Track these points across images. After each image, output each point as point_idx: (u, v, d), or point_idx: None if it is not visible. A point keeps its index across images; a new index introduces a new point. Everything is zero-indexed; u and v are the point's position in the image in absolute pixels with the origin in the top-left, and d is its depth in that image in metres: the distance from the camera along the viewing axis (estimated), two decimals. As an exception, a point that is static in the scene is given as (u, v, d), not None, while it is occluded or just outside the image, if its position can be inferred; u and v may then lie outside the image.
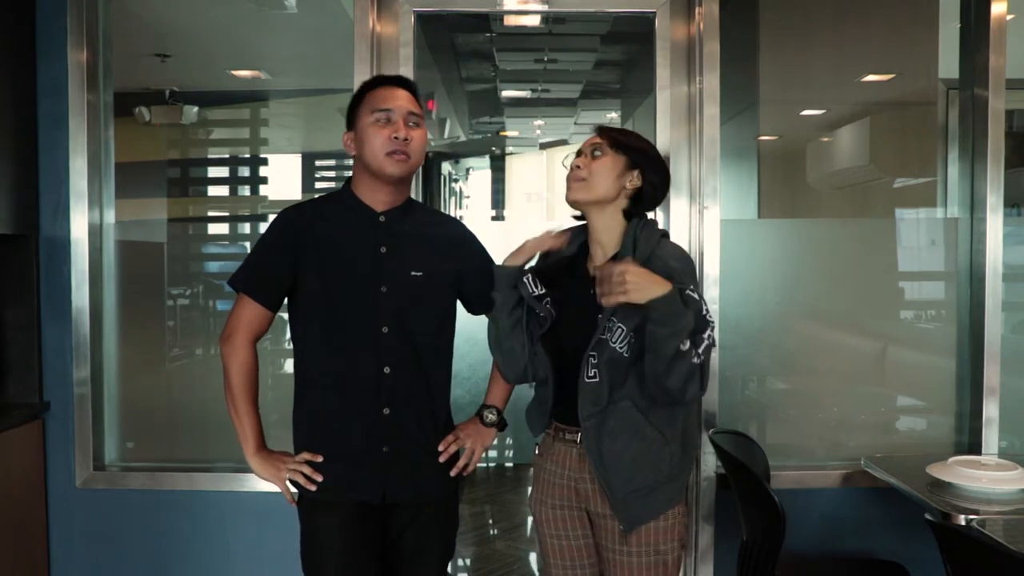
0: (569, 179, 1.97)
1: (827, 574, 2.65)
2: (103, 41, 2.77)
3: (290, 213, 2.02)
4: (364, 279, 1.94)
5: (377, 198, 1.98)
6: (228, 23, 3.56)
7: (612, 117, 9.49)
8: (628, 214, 1.96)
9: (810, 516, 2.72)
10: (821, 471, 2.76)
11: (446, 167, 11.85)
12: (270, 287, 1.97)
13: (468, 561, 4.03)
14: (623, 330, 1.84)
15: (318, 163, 3.59)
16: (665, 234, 1.98)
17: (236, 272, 1.99)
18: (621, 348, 1.85)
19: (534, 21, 5.71)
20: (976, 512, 2.04)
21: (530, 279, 1.98)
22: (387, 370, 1.94)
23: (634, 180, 1.94)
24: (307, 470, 1.94)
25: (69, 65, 2.68)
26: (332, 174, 3.65)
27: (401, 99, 1.97)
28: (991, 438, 2.74)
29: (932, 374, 2.91)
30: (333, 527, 1.95)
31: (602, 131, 1.99)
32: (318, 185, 3.76)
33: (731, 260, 2.70)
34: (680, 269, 1.86)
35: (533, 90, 8.79)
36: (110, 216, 2.79)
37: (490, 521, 4.49)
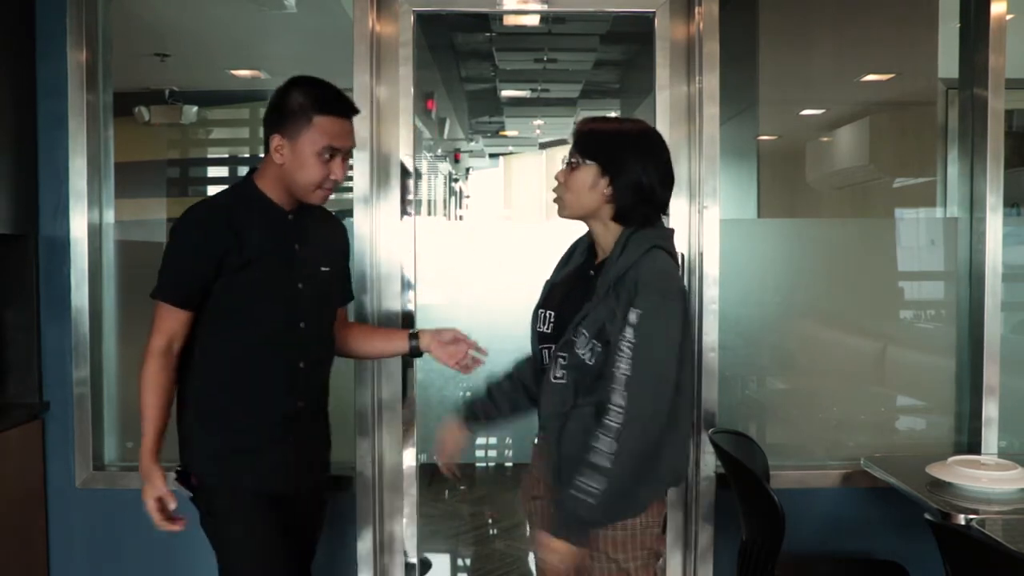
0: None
1: (827, 574, 2.65)
2: (103, 41, 2.76)
3: (205, 216, 1.98)
4: (284, 276, 1.99)
5: (285, 199, 2.01)
6: (228, 23, 3.57)
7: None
8: (624, 218, 1.87)
9: (810, 516, 2.72)
10: (821, 471, 2.76)
11: (445, 166, 11.85)
12: (198, 295, 1.95)
13: (468, 561, 4.04)
14: (586, 336, 1.81)
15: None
16: (659, 244, 1.86)
17: (162, 283, 1.95)
18: (584, 355, 1.81)
19: (534, 21, 5.72)
20: (976, 512, 2.04)
21: (543, 315, 1.95)
22: (302, 364, 2.02)
23: (606, 189, 1.85)
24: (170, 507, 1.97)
25: (69, 65, 2.67)
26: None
27: (350, 135, 1.98)
28: (991, 438, 2.73)
29: (932, 374, 2.91)
30: (274, 515, 1.99)
31: (576, 135, 1.91)
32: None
33: (731, 260, 2.70)
34: (645, 283, 1.77)
35: (533, 90, 8.80)
36: (110, 216, 2.78)
37: (490, 521, 4.49)
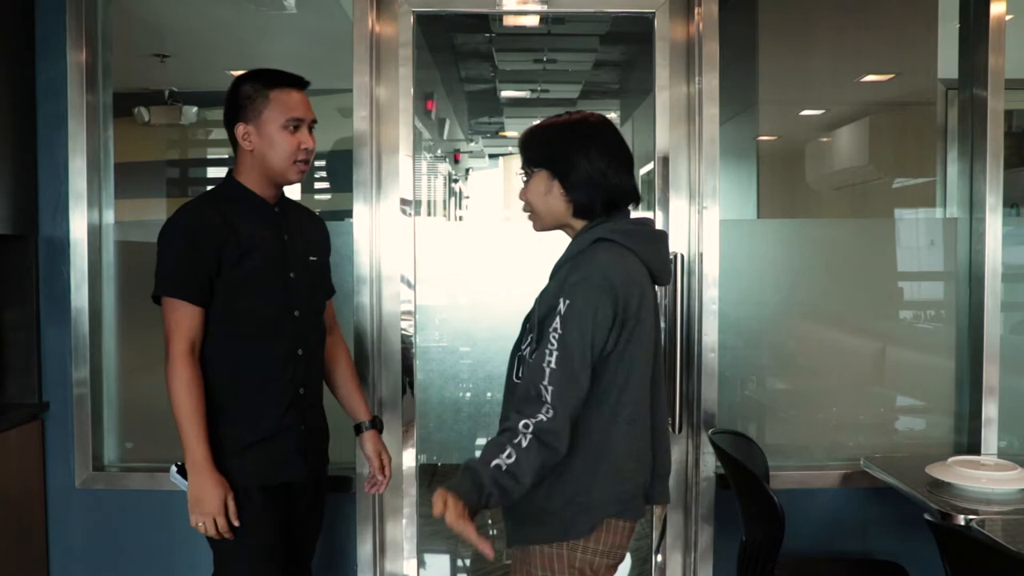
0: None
1: (827, 574, 2.65)
2: (102, 41, 2.76)
3: (196, 214, 2.00)
4: (278, 266, 2.04)
5: (268, 192, 2.07)
6: (228, 23, 3.57)
7: (612, 118, 9.47)
8: (586, 213, 1.83)
9: (810, 516, 2.72)
10: (821, 471, 2.76)
11: (445, 167, 11.84)
12: (205, 288, 1.96)
13: (468, 561, 4.03)
14: (528, 331, 1.81)
15: (316, 163, 3.59)
16: (609, 236, 1.78)
17: (164, 282, 1.96)
18: (525, 351, 1.80)
19: (533, 21, 5.71)
20: (975, 512, 2.04)
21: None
22: (300, 352, 2.06)
23: (560, 190, 1.82)
24: (232, 508, 1.95)
25: (68, 65, 2.67)
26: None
27: (308, 106, 2.04)
28: (990, 438, 2.74)
29: (931, 374, 2.91)
30: (270, 513, 2.02)
31: (519, 147, 1.88)
32: (317, 185, 3.76)
33: (730, 260, 2.70)
34: (570, 282, 1.72)
35: (532, 90, 8.78)
36: (109, 216, 2.79)
37: (490, 521, 4.48)
